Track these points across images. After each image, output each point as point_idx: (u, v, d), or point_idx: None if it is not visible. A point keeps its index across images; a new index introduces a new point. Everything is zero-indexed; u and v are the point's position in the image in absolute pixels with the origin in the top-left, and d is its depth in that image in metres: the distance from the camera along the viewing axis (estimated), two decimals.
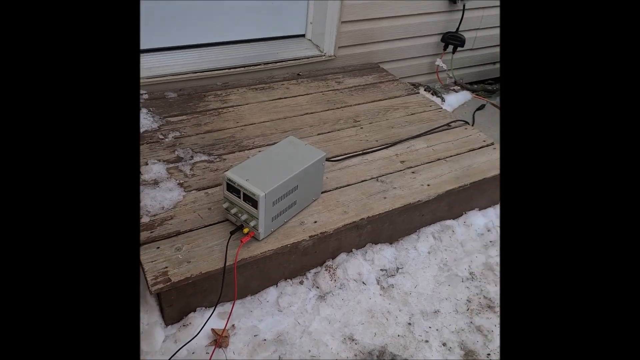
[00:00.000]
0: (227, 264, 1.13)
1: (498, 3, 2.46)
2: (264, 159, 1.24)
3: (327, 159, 1.53)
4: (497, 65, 2.75)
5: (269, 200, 1.15)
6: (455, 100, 2.42)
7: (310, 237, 1.26)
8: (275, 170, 1.20)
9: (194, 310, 1.19)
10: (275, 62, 2.03)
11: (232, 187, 1.17)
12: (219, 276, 1.15)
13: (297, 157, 1.26)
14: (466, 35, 2.42)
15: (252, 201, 1.14)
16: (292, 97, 1.91)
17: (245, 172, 1.17)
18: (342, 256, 1.41)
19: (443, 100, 2.36)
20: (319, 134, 1.69)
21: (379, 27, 2.19)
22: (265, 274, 1.28)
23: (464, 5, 2.32)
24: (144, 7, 1.77)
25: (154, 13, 1.81)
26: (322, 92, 1.97)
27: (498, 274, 1.48)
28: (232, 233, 1.18)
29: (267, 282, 1.31)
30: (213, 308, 1.17)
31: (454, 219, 1.62)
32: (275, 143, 1.59)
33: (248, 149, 1.56)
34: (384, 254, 1.46)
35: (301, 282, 1.35)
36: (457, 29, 2.39)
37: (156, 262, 1.11)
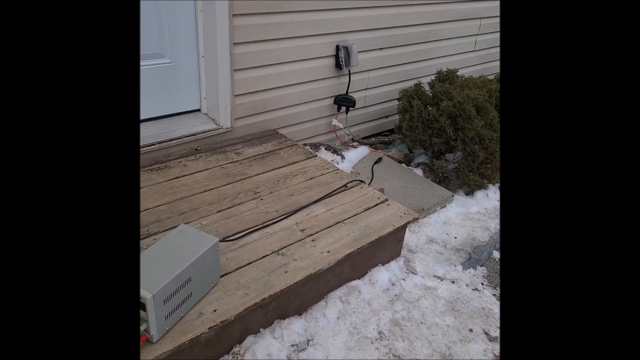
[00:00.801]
0: None
1: (381, 65, 2.71)
2: (153, 254, 1.20)
3: (226, 239, 1.53)
4: (390, 118, 2.98)
5: (158, 301, 1.10)
6: (355, 155, 2.56)
7: (209, 328, 1.22)
8: (165, 265, 1.17)
9: None
10: (171, 140, 2.02)
11: None
12: None
13: (189, 246, 1.24)
14: (356, 95, 2.62)
15: (140, 304, 1.09)
16: (190, 174, 1.90)
17: None
18: (250, 339, 1.38)
19: (343, 157, 2.49)
20: (218, 212, 1.68)
21: (273, 96, 2.29)
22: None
23: (349, 71, 2.52)
24: None
25: None
26: (221, 165, 1.99)
27: (405, 329, 1.53)
28: None
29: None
30: None
31: (359, 279, 1.68)
32: (171, 228, 1.56)
33: (142, 238, 1.50)
34: (293, 328, 1.45)
35: None
36: (347, 91, 2.58)
37: None
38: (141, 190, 1.75)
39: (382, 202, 1.83)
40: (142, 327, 1.11)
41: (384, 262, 1.77)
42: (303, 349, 1.42)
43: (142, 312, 1.10)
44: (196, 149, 2.09)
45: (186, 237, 1.28)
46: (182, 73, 2.10)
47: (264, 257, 1.48)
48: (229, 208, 1.71)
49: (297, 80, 2.34)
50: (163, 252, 1.21)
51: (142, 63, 1.96)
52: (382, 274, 1.72)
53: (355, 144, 2.73)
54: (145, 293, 1.07)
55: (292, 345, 1.42)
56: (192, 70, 2.13)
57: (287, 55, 2.23)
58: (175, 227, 1.55)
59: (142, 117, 2.06)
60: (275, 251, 1.51)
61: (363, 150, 2.64)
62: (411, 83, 2.72)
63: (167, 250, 1.22)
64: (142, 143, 1.94)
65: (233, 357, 1.33)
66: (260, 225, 1.62)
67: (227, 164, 2.01)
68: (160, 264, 1.17)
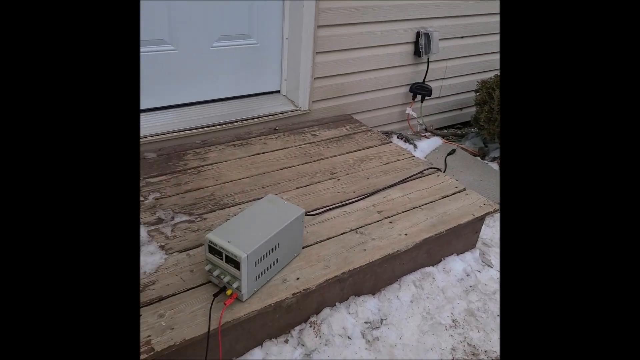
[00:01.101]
0: (211, 327, 1.12)
1: (460, 55, 2.63)
2: (244, 219, 1.26)
3: (307, 214, 1.57)
4: (464, 111, 2.90)
5: (251, 261, 1.16)
6: (427, 146, 2.52)
7: (293, 294, 1.26)
8: (256, 229, 1.22)
9: None
10: (253, 119, 2.10)
11: (214, 250, 1.18)
12: (203, 341, 1.13)
13: (277, 215, 1.29)
14: (432, 84, 2.57)
15: (234, 263, 1.15)
16: (270, 152, 1.96)
17: (227, 234, 1.19)
18: (326, 311, 1.42)
19: (415, 147, 2.46)
20: (297, 188, 1.73)
21: (350, 81, 2.31)
22: (250, 335, 1.27)
23: (428, 58, 2.48)
24: None
25: None
26: (298, 145, 2.04)
27: (480, 319, 1.50)
28: (215, 296, 1.18)
29: (251, 343, 1.29)
30: None
31: (433, 266, 1.66)
32: (255, 200, 1.63)
33: (228, 207, 1.58)
34: (367, 306, 1.47)
35: (286, 341, 1.34)
36: (424, 79, 2.53)
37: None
38: (226, 163, 1.84)
39: (460, 191, 1.80)
40: (234, 285, 1.18)
41: (459, 252, 1.74)
42: (376, 327, 1.43)
43: (235, 271, 1.16)
44: (275, 129, 2.16)
45: (274, 206, 1.33)
46: (266, 54, 2.17)
47: (342, 233, 1.51)
48: (307, 185, 1.75)
49: (375, 65, 2.34)
50: (254, 217, 1.27)
51: (231, 43, 2.05)
52: (456, 264, 1.69)
53: (427, 134, 2.68)
54: (240, 253, 1.14)
55: (366, 323, 1.44)
56: (276, 52, 2.20)
57: (368, 40, 2.23)
58: (259, 198, 1.62)
59: (227, 95, 2.16)
60: (354, 229, 1.53)
61: (435, 141, 2.59)
62: (490, 74, 2.62)
63: (257, 216, 1.28)
64: (226, 120, 2.04)
65: (310, 326, 1.37)
66: (338, 204, 1.65)
67: (304, 144, 2.05)
68: (252, 228, 1.23)
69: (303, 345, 1.33)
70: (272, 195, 1.38)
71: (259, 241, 1.18)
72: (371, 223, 1.57)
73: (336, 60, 2.20)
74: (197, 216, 1.52)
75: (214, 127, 2.00)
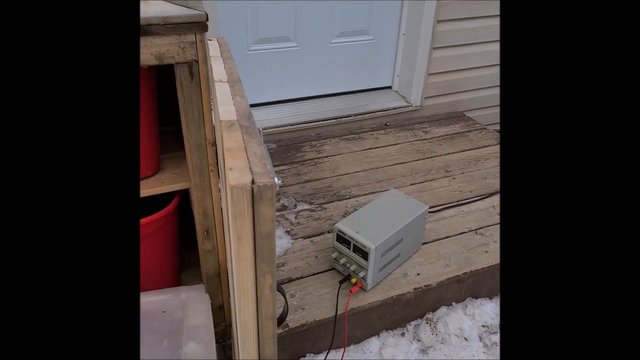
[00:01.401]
0: (338, 312, 1.18)
1: None
2: (370, 212, 1.30)
3: None
4: None
5: (378, 252, 1.19)
6: None
7: (414, 289, 1.28)
8: (383, 222, 1.25)
9: (304, 356, 1.24)
10: (365, 114, 2.13)
11: (342, 239, 1.24)
12: (329, 324, 1.19)
13: (402, 209, 1.31)
14: None
15: (362, 252, 1.19)
16: (382, 147, 1.98)
17: (355, 224, 1.24)
18: (443, 309, 1.41)
19: None
20: (412, 184, 1.73)
21: (465, 77, 2.23)
22: (369, 324, 1.31)
23: None
24: (247, 67, 1.96)
25: (254, 75, 2.00)
26: (410, 142, 2.03)
27: None
28: (341, 282, 1.23)
29: (369, 332, 1.33)
30: (325, 354, 1.21)
31: None
32: (370, 193, 1.66)
33: (345, 199, 1.63)
34: (484, 309, 1.43)
35: (402, 334, 1.36)
36: None
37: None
38: (340, 156, 1.90)
39: None
40: (360, 274, 1.22)
41: None
42: (494, 332, 1.39)
43: (362, 260, 1.20)
44: (385, 124, 2.18)
45: (398, 201, 1.35)
46: (381, 50, 2.19)
47: (461, 233, 1.48)
48: (421, 182, 1.74)
49: (492, 61, 2.24)
50: (379, 210, 1.30)
51: (349, 39, 2.10)
52: None
53: None
54: (369, 243, 1.17)
55: (484, 326, 1.40)
56: (390, 48, 2.20)
57: (487, 34, 2.14)
58: (374, 192, 1.65)
59: (341, 90, 2.22)
60: (473, 230, 1.49)
61: None
62: None
63: (382, 209, 1.31)
64: (339, 114, 2.10)
65: (426, 322, 1.37)
66: (455, 203, 1.62)
67: (416, 140, 2.04)
68: (378, 221, 1.26)
69: (419, 341, 1.34)
70: (395, 190, 1.40)
71: (386, 234, 1.21)
72: (492, 225, 1.52)
73: (452, 55, 2.14)
74: (317, 205, 1.59)
75: (328, 121, 2.07)
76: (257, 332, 0.50)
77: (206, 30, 0.95)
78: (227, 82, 0.67)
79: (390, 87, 2.32)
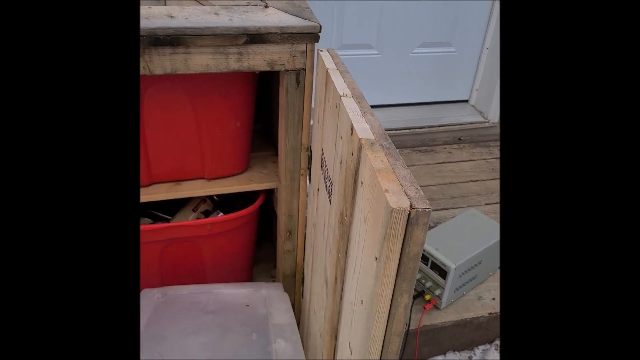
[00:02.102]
0: (410, 327, 1.18)
1: None
2: (449, 230, 1.28)
3: None
4: None
5: (457, 272, 1.18)
6: None
7: (489, 313, 1.25)
8: (463, 242, 1.23)
9: None
10: (438, 126, 2.10)
11: None
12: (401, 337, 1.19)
13: (482, 231, 1.28)
14: None
15: (440, 271, 1.18)
16: (456, 162, 1.95)
17: (434, 241, 1.23)
18: None
19: None
20: (487, 204, 1.69)
21: None
22: (436, 342, 1.30)
23: None
24: None
25: None
26: (485, 159, 1.98)
27: None
28: (414, 298, 1.23)
29: (436, 350, 1.31)
30: None
31: None
32: (444, 209, 1.64)
33: None
34: None
35: (469, 358, 1.33)
36: None
37: None
38: (413, 167, 1.88)
39: None
40: (436, 292, 1.21)
41: None
42: None
43: (439, 279, 1.19)
44: (459, 139, 2.13)
45: (478, 222, 1.32)
46: (462, 63, 2.15)
47: None
48: (496, 203, 1.70)
49: None
50: (459, 229, 1.29)
51: (431, 50, 2.08)
52: None
53: None
54: (449, 262, 1.16)
55: None
56: (472, 62, 2.16)
57: None
58: (447, 208, 1.63)
59: (416, 100, 2.20)
60: None
61: None
62: None
63: (462, 228, 1.29)
64: (412, 125, 2.08)
65: (495, 349, 1.33)
66: None
67: (492, 158, 1.99)
68: (458, 240, 1.24)
69: None
70: (475, 209, 1.38)
71: (467, 254, 1.19)
72: None
73: None
74: None
75: (401, 131, 2.06)
76: (382, 346, 0.52)
77: (317, 41, 0.98)
78: (352, 97, 0.69)
79: (467, 101, 2.27)
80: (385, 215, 0.44)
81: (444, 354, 1.32)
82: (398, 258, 0.46)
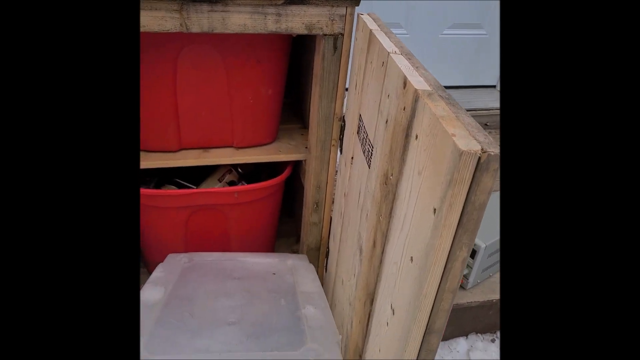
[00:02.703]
0: None
1: None
2: None
3: None
4: None
5: (486, 252, 1.15)
6: None
7: None
8: (493, 222, 1.20)
9: None
10: (467, 110, 2.06)
11: None
12: None
13: None
14: None
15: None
16: None
17: None
18: None
19: None
20: None
21: None
22: (459, 323, 1.28)
23: None
24: None
25: None
26: None
27: None
28: None
29: (458, 331, 1.30)
30: None
31: None
32: None
33: None
34: None
35: (492, 341, 1.31)
36: None
37: None
38: None
39: None
40: (464, 272, 1.19)
41: None
42: None
43: (469, 258, 1.17)
44: (486, 124, 2.09)
45: None
46: (492, 47, 2.09)
47: None
48: None
49: None
50: (489, 210, 1.25)
51: (461, 32, 2.03)
52: None
53: None
54: (479, 242, 1.14)
55: None
56: None
57: None
58: None
59: (443, 83, 2.16)
60: None
61: None
62: None
63: (492, 209, 1.26)
64: None
65: None
66: None
67: None
68: (489, 220, 1.21)
69: None
70: None
71: (497, 235, 1.17)
72: None
73: None
74: None
75: None
76: (433, 304, 0.50)
77: (357, 5, 0.95)
78: (402, 54, 0.66)
79: (494, 87, 2.22)
80: (451, 160, 0.42)
81: (466, 336, 1.31)
82: (461, 207, 0.44)
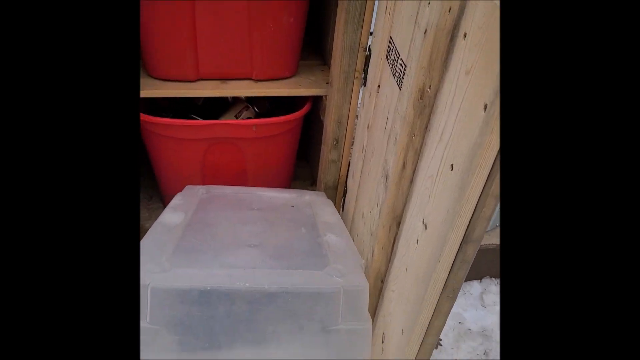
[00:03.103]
0: None
1: None
2: None
3: None
4: None
5: None
6: None
7: None
8: None
9: None
10: None
11: None
12: None
13: None
14: None
15: None
16: None
17: None
18: None
19: None
20: None
21: None
22: (474, 266, 1.27)
23: None
24: None
25: None
26: None
27: None
28: None
29: (472, 274, 1.30)
30: None
31: None
32: None
33: None
34: None
35: None
36: None
37: None
38: None
39: None
40: None
41: None
42: None
43: None
44: None
45: None
46: None
47: None
48: None
49: None
50: None
51: None
52: None
53: None
54: None
55: None
56: None
57: None
58: None
59: None
60: None
61: None
62: None
63: None
64: None
65: None
66: None
67: None
68: None
69: None
70: None
71: None
72: None
73: None
74: None
75: None
76: (474, 209, 0.48)
77: None
78: None
79: None
80: None
81: (480, 279, 1.31)
82: None
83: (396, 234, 0.72)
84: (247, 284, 0.64)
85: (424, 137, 0.61)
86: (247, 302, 0.64)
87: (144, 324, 0.62)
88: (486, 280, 1.31)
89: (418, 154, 0.63)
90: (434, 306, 0.57)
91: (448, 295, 0.57)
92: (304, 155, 1.54)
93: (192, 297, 0.63)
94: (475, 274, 1.30)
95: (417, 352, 0.63)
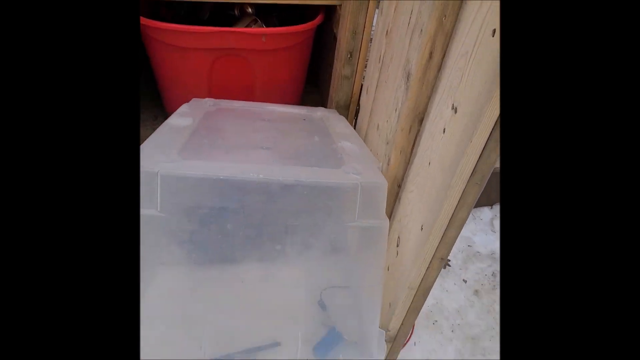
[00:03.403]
0: None
1: None
2: None
3: None
4: None
5: None
6: None
7: None
8: None
9: None
10: None
11: None
12: None
13: None
14: None
15: None
16: None
17: None
18: None
19: None
20: None
21: None
22: (485, 191, 1.26)
23: None
24: None
25: None
26: None
27: None
28: None
29: (483, 201, 1.29)
30: None
31: None
32: None
33: None
34: None
35: None
36: None
37: None
38: None
39: None
40: None
41: None
42: None
43: None
44: None
45: None
46: None
47: None
48: None
49: None
50: None
51: None
52: None
53: None
54: None
55: None
56: None
57: None
58: None
59: None
60: None
61: None
62: None
63: None
64: None
65: None
66: None
67: None
68: None
69: None
70: None
71: None
72: None
73: None
74: None
75: None
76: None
77: None
78: None
79: None
80: None
81: (491, 206, 1.30)
82: None
83: (417, 131, 0.68)
84: (261, 176, 0.61)
85: (457, 15, 0.56)
86: (260, 194, 0.62)
87: (154, 212, 0.60)
88: (497, 207, 1.29)
89: (449, 37, 0.58)
90: (460, 194, 0.55)
91: (476, 182, 0.54)
92: (314, 80, 1.47)
93: (203, 187, 0.61)
94: (486, 200, 1.28)
95: (436, 247, 0.61)
